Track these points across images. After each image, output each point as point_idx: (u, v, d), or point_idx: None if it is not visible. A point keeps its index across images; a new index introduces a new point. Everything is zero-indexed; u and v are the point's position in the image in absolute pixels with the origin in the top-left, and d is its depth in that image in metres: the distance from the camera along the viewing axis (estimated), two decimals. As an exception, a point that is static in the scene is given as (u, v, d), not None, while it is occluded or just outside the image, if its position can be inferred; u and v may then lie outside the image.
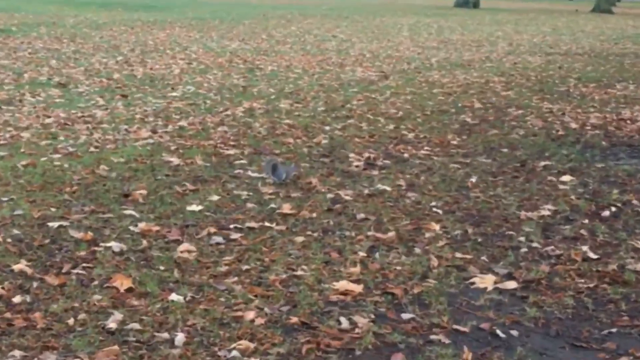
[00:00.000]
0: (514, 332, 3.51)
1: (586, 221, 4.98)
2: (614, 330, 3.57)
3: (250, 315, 3.62)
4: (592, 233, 4.76)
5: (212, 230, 4.69)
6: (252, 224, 4.81)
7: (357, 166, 6.22)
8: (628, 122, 8.58)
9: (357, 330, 3.50)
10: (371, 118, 8.23)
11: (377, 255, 4.36)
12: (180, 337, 3.40)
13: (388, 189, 5.58)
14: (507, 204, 5.29)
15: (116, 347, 3.30)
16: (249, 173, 5.93)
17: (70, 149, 6.54)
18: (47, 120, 7.69)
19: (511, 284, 4.00)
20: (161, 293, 3.84)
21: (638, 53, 16.75)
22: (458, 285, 3.99)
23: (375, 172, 6.05)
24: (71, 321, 3.52)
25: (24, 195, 5.26)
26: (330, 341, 3.40)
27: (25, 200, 5.14)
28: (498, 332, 3.51)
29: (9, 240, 4.46)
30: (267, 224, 4.82)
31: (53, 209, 4.99)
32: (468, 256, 4.34)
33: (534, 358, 3.28)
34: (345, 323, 3.56)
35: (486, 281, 4.04)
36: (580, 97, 10.16)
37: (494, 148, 6.95)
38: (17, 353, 3.23)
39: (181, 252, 4.35)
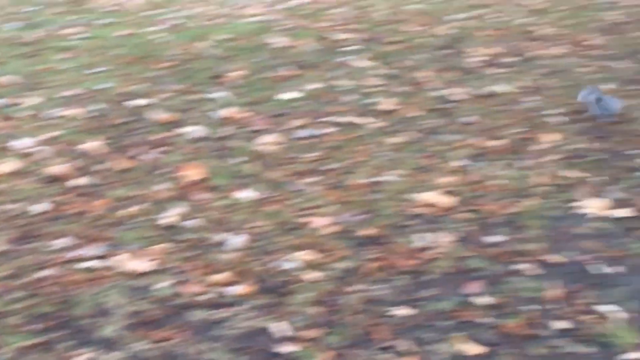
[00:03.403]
0: (617, 269, 3.01)
1: None
2: None
3: (321, 222, 3.30)
4: None
5: (303, 121, 4.35)
6: (348, 119, 4.43)
7: (477, 62, 5.68)
8: None
9: (434, 250, 3.12)
10: (507, 9, 7.54)
11: (476, 165, 3.91)
12: (237, 241, 3.12)
13: (506, 90, 5.04)
14: (640, 117, 4.67)
15: (166, 244, 3.05)
16: (356, 62, 5.51)
17: (175, 22, 6.30)
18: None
19: (623, 212, 3.47)
20: (231, 188, 3.56)
21: None
22: (561, 208, 3.50)
23: (496, 71, 5.49)
24: (125, 212, 3.29)
25: (115, 68, 5.07)
26: (402, 260, 3.04)
27: (115, 74, 4.95)
28: (596, 267, 3.03)
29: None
30: (364, 119, 4.44)
31: (140, 85, 4.78)
32: (581, 175, 3.82)
33: (633, 302, 2.80)
34: (424, 241, 3.18)
35: (595, 206, 3.53)
36: None
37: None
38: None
39: (263, 143, 4.04)
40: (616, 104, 4.70)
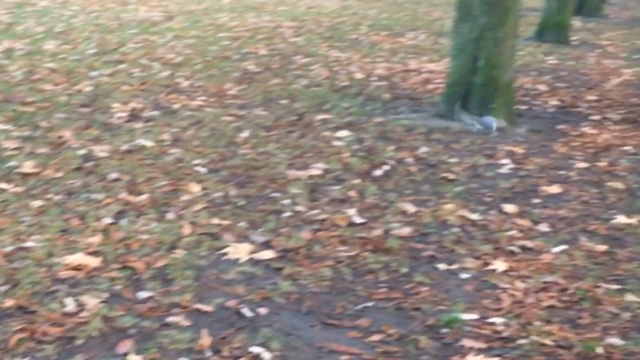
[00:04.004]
0: (263, 310, 3.14)
1: (357, 181, 4.69)
2: (369, 304, 3.28)
3: (-45, 298, 3.08)
4: (361, 194, 4.48)
5: None
6: (-17, 186, 4.21)
7: (119, 118, 5.67)
8: (413, 73, 8.42)
9: (84, 313, 3.03)
10: (145, 63, 7.63)
11: (123, 222, 3.88)
12: None
13: (149, 144, 5.08)
14: (277, 162, 4.92)
15: None
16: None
17: None
18: None
19: (267, 254, 3.63)
20: None
21: (433, 1, 16.72)
22: (209, 257, 3.58)
23: (138, 125, 5.52)
24: None
25: None
26: (48, 328, 2.92)
27: None
28: (244, 310, 3.13)
29: None
30: (2, 184, 4.23)
31: None
32: (225, 222, 3.94)
33: (279, 339, 2.93)
34: (71, 305, 3.08)
35: (240, 251, 3.66)
36: (370, 46, 9.96)
37: (273, 99, 6.57)
38: None
39: None
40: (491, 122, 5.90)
